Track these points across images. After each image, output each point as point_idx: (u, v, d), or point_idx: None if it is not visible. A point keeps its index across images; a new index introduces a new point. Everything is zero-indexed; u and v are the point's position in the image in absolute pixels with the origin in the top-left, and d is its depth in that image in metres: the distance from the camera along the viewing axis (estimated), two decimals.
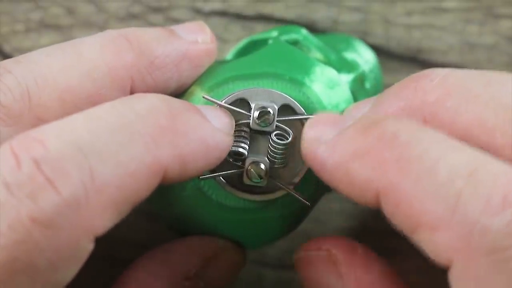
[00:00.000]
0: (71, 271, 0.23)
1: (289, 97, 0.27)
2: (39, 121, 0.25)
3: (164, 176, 0.24)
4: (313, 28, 0.36)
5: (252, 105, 0.27)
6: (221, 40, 0.36)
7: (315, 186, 0.28)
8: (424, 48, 0.36)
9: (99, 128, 0.23)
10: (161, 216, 0.30)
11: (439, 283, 0.36)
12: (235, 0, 0.36)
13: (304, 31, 0.31)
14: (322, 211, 0.36)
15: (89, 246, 0.23)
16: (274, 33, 0.31)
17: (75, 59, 0.26)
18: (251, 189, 0.28)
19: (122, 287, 0.28)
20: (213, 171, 0.27)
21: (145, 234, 0.35)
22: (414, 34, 0.36)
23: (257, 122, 0.27)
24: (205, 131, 0.25)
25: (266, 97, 0.27)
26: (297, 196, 0.27)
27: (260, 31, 0.36)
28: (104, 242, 0.35)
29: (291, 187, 0.28)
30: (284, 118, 0.27)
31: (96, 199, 0.22)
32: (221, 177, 0.27)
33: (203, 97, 0.27)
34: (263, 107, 0.27)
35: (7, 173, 0.22)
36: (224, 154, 0.26)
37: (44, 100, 0.25)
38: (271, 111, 0.27)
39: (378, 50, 0.36)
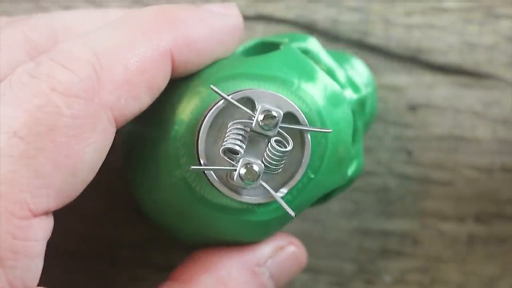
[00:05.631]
0: (91, 148, 0.25)
1: (295, 106, 0.27)
2: None
3: (176, 59, 0.27)
4: (313, 28, 0.36)
5: (258, 107, 0.27)
6: None
7: (301, 197, 0.28)
8: (424, 48, 0.36)
9: (101, 28, 0.27)
10: (140, 202, 0.30)
11: (439, 282, 0.36)
12: (235, 0, 0.36)
13: (316, 43, 0.30)
14: (322, 211, 0.36)
15: (108, 125, 0.26)
16: (286, 39, 0.30)
17: (103, 17, 0.30)
18: (237, 190, 0.27)
19: (192, 265, 0.29)
20: (205, 164, 0.27)
21: (145, 234, 0.35)
22: (414, 34, 0.36)
23: (260, 124, 0.27)
24: (204, 14, 0.28)
25: (272, 101, 0.27)
26: (284, 206, 0.27)
27: (260, 31, 0.36)
28: (104, 242, 0.35)
29: (280, 195, 0.27)
30: (287, 126, 0.27)
31: (107, 76, 0.26)
32: (211, 172, 0.27)
33: (211, 87, 0.27)
34: (269, 111, 0.27)
35: (30, 69, 0.26)
36: (235, 34, 0.29)
37: None
38: (277, 116, 0.27)
39: (378, 50, 0.36)
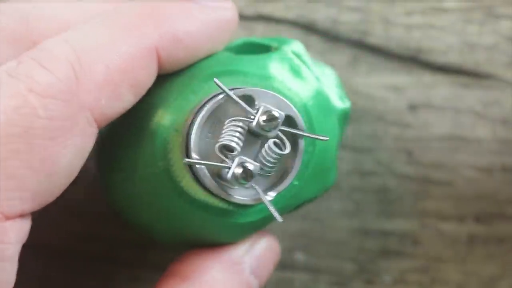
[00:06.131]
0: (69, 151, 0.25)
1: (295, 110, 0.27)
2: (35, 46, 0.27)
3: (163, 56, 0.26)
4: (313, 28, 0.36)
5: (260, 106, 0.26)
6: None
7: (281, 203, 0.28)
8: (424, 48, 0.36)
9: (85, 24, 0.26)
10: (112, 192, 0.29)
11: (439, 282, 0.36)
12: (235, 0, 0.36)
13: (303, 49, 0.30)
14: (322, 211, 0.36)
15: (88, 127, 0.25)
16: (275, 43, 0.30)
17: (82, 9, 0.29)
18: (224, 189, 0.27)
19: (173, 276, 0.28)
20: (196, 159, 0.26)
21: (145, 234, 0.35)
22: (414, 34, 0.36)
23: (261, 124, 0.26)
24: (194, 8, 0.27)
25: (273, 102, 0.26)
26: (272, 210, 0.26)
27: (260, 31, 0.36)
28: (104, 242, 0.35)
29: (268, 199, 0.27)
30: (287, 129, 0.26)
31: (87, 77, 0.25)
32: (204, 168, 0.26)
33: (214, 80, 0.26)
34: (272, 111, 0.26)
35: (10, 68, 0.25)
36: (227, 28, 0.28)
37: (42, 27, 0.28)
38: (279, 118, 0.26)
39: (378, 50, 0.36)
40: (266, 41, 0.30)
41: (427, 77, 0.36)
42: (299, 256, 0.36)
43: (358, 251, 0.36)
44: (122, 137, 0.28)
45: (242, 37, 0.31)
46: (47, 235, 0.35)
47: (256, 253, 0.29)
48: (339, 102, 0.30)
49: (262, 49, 0.30)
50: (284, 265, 0.35)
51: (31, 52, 0.25)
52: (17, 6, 0.28)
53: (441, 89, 0.36)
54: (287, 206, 0.28)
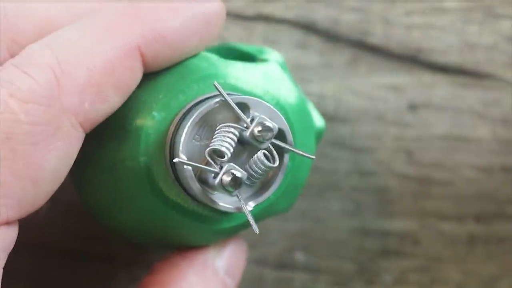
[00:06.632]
0: (53, 155, 0.25)
1: (286, 124, 0.26)
2: (14, 43, 0.27)
3: (147, 55, 0.26)
4: (313, 28, 0.36)
5: (256, 117, 0.26)
6: (221, 40, 0.36)
7: (257, 214, 0.28)
8: (424, 48, 0.36)
9: (67, 28, 0.26)
10: (84, 188, 0.29)
11: (439, 282, 0.36)
12: (235, 0, 0.36)
13: (283, 61, 0.29)
14: (322, 211, 0.36)
15: (72, 131, 0.25)
16: (257, 53, 0.29)
17: (64, 6, 0.28)
18: (207, 194, 0.26)
19: (153, 283, 0.28)
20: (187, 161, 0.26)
21: None
22: (414, 34, 0.36)
23: (255, 134, 0.26)
24: (178, 3, 0.27)
25: (267, 113, 0.26)
26: (251, 220, 0.26)
27: (260, 31, 0.36)
28: (104, 242, 0.35)
29: (248, 209, 0.26)
30: (278, 143, 0.26)
31: (68, 81, 0.25)
32: (191, 169, 0.26)
33: (214, 84, 0.25)
34: (268, 123, 0.26)
35: None
36: (213, 23, 0.27)
37: (22, 24, 0.28)
38: (273, 130, 0.26)
39: (378, 50, 0.36)
40: (249, 49, 0.30)
41: (427, 77, 0.36)
42: (299, 256, 0.36)
43: (358, 251, 0.36)
44: (104, 130, 0.27)
45: (227, 41, 0.31)
46: (47, 235, 0.35)
47: (226, 253, 0.29)
48: (318, 121, 0.30)
49: (245, 56, 0.29)
50: (284, 265, 0.35)
51: (14, 59, 0.25)
52: None
53: (441, 89, 0.36)
54: (257, 218, 0.28)
